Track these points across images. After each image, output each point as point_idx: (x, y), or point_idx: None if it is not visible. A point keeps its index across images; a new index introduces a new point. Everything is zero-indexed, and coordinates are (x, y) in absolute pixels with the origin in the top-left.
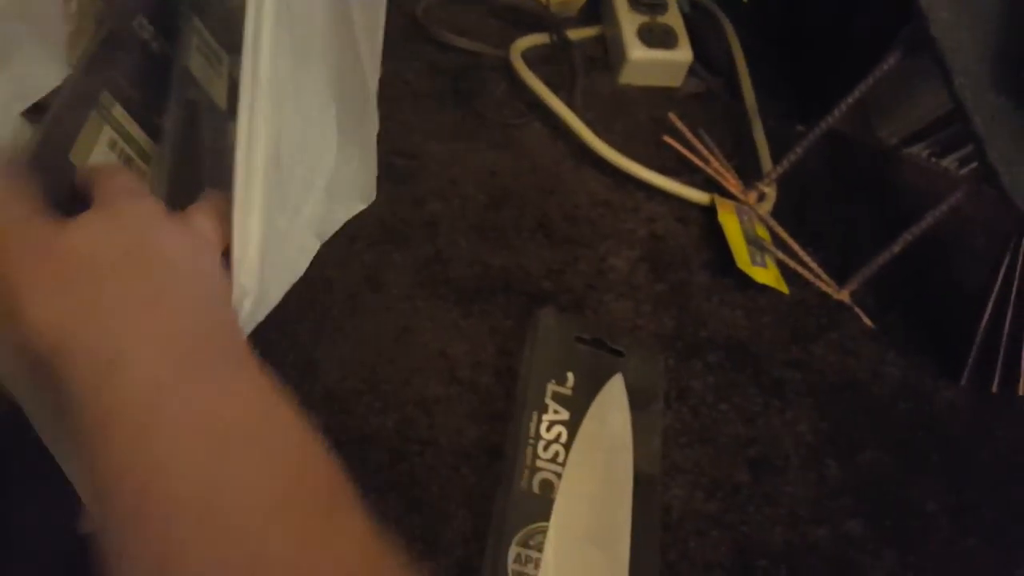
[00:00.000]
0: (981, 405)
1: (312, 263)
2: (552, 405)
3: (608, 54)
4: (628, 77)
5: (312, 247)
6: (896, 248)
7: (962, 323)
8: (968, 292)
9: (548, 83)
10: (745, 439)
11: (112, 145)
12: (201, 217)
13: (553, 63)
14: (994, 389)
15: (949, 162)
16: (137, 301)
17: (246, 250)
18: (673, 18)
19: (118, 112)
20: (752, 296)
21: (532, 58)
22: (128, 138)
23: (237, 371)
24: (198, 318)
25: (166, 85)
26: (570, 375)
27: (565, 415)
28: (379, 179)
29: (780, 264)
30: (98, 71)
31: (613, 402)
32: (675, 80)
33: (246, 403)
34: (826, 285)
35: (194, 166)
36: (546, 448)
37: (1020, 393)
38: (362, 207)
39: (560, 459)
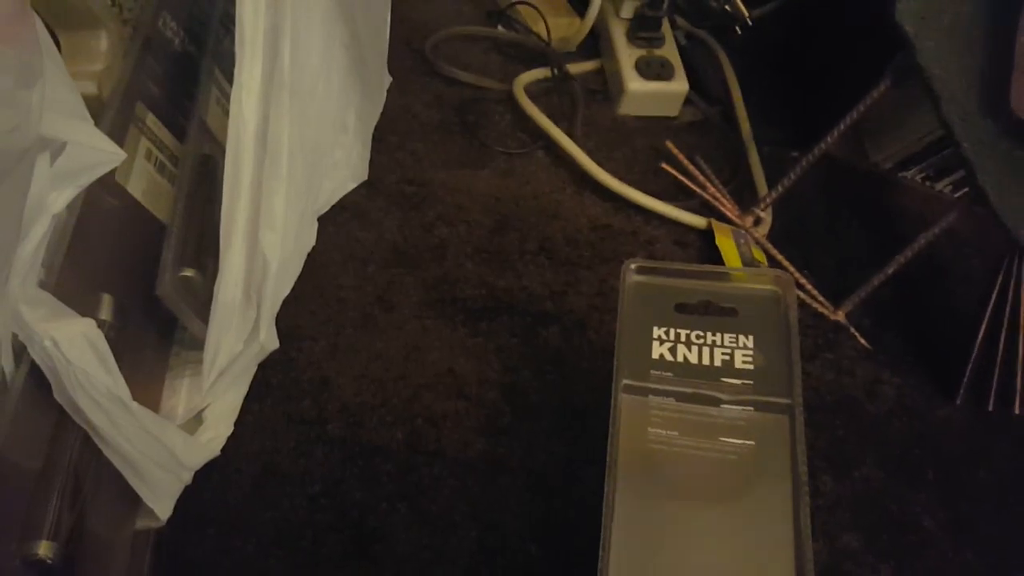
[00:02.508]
0: (977, 423)
1: (326, 285)
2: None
3: (607, 86)
4: (627, 108)
5: (315, 222)
6: (890, 270)
7: (957, 342)
8: (963, 312)
9: (550, 114)
10: None
11: (148, 155)
12: None
13: (554, 96)
14: (990, 408)
15: (943, 185)
16: None
17: (273, 228)
18: (669, 51)
19: (151, 121)
20: None
21: (534, 91)
22: (160, 145)
23: None
24: None
25: (191, 82)
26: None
27: None
28: (391, 206)
29: None
30: (133, 84)
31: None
32: (672, 110)
33: None
34: (822, 306)
35: (206, 215)
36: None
37: (1017, 411)
38: (353, 186)
39: None
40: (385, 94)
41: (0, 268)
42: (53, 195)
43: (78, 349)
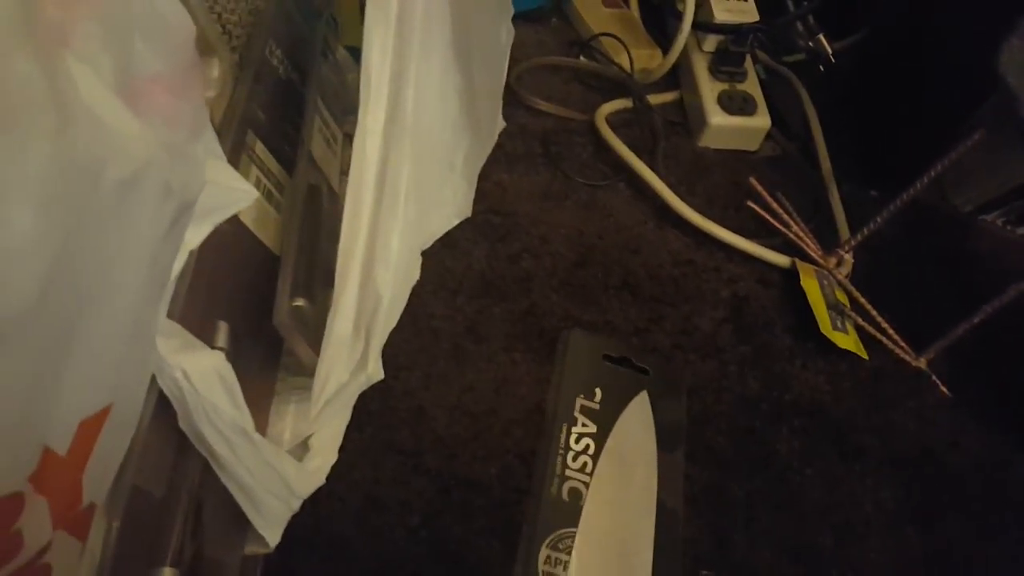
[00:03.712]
0: None
1: (419, 314)
2: (581, 418)
3: (688, 119)
4: (708, 141)
5: (419, 258)
6: (976, 319)
7: None
8: None
9: (630, 146)
10: (829, 504)
11: (258, 183)
12: None
13: (635, 127)
14: None
15: None
16: None
17: (387, 265)
18: (752, 85)
19: (260, 149)
20: (833, 361)
21: (615, 122)
22: (268, 173)
23: None
24: None
25: (293, 110)
26: (598, 391)
27: (593, 428)
28: (478, 236)
29: (859, 329)
30: (244, 113)
31: (638, 417)
32: (753, 144)
33: None
34: (904, 352)
35: (314, 247)
36: (575, 459)
37: None
38: (457, 222)
39: (588, 469)
40: (496, 137)
41: (153, 311)
42: (190, 231)
43: (208, 381)
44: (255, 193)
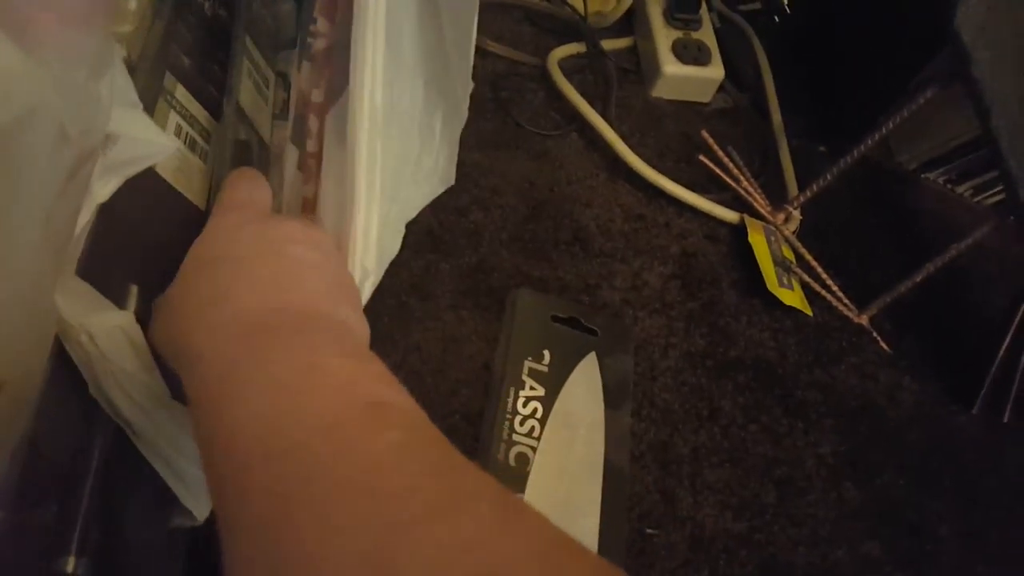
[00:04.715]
0: (992, 433)
1: None
2: (529, 381)
3: (641, 66)
4: (660, 91)
5: (401, 230)
6: (918, 278)
7: (977, 351)
8: (983, 319)
9: (583, 93)
10: (771, 460)
11: (178, 131)
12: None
13: (588, 73)
14: (1006, 419)
15: (964, 189)
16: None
17: (369, 237)
18: (707, 35)
19: (181, 94)
20: (778, 317)
21: (567, 67)
22: (191, 120)
23: (299, 336)
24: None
25: (221, 51)
26: (546, 353)
27: (541, 391)
28: None
29: (804, 286)
30: (161, 53)
31: (587, 379)
32: (705, 96)
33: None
34: (847, 309)
35: None
36: (523, 423)
37: None
38: (442, 190)
39: (535, 433)
40: (468, 99)
41: (55, 269)
42: (99, 184)
43: (115, 343)
44: (174, 145)
